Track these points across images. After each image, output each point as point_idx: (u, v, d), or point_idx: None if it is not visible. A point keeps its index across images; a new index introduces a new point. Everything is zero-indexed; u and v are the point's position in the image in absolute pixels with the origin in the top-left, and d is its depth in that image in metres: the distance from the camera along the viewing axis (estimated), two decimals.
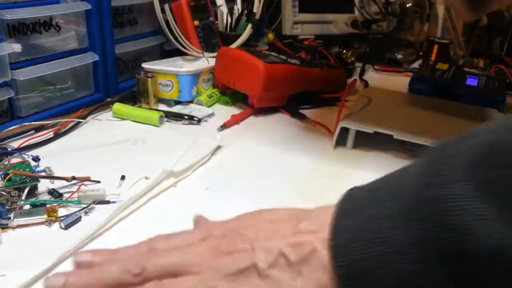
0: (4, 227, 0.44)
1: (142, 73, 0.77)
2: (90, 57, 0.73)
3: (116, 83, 0.79)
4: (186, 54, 0.87)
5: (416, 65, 1.14)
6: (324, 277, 0.27)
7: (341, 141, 0.67)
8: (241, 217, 0.33)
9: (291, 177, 0.58)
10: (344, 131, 0.66)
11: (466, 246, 0.22)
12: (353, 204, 0.28)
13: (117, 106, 0.73)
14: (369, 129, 0.64)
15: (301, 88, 0.81)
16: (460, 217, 0.22)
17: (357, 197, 0.29)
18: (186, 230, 0.34)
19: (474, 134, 0.26)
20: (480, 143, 0.25)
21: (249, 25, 0.90)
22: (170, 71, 0.77)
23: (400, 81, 1.02)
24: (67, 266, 0.40)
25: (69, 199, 0.49)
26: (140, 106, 0.77)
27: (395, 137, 0.62)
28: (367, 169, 0.61)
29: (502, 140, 0.24)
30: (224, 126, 0.72)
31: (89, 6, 0.70)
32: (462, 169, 0.24)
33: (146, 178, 0.54)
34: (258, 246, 0.29)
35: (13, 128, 0.61)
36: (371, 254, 0.25)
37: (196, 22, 0.87)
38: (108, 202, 0.49)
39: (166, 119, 0.73)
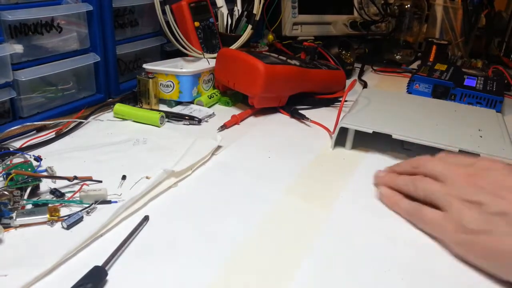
0: (6, 226, 0.44)
1: (143, 73, 0.77)
2: (92, 58, 0.73)
3: (117, 84, 0.80)
4: (186, 55, 0.87)
5: (414, 65, 1.14)
6: None
7: (340, 141, 0.67)
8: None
9: (290, 177, 0.58)
10: (343, 131, 0.66)
11: None
12: None
13: (118, 106, 0.73)
14: (368, 129, 0.64)
15: (301, 88, 0.82)
16: None
17: None
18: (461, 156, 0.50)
19: None
20: None
21: (249, 26, 0.90)
22: (171, 71, 0.78)
23: (398, 82, 1.03)
24: (69, 266, 0.40)
25: (71, 199, 0.49)
26: (141, 107, 0.77)
27: (393, 137, 0.63)
28: (366, 169, 0.61)
29: None
30: (224, 126, 0.72)
31: (90, 7, 0.70)
32: None
33: (147, 178, 0.54)
34: None
35: (15, 128, 0.62)
36: None
37: (197, 23, 0.87)
38: (109, 202, 0.49)
39: (166, 119, 0.73)
